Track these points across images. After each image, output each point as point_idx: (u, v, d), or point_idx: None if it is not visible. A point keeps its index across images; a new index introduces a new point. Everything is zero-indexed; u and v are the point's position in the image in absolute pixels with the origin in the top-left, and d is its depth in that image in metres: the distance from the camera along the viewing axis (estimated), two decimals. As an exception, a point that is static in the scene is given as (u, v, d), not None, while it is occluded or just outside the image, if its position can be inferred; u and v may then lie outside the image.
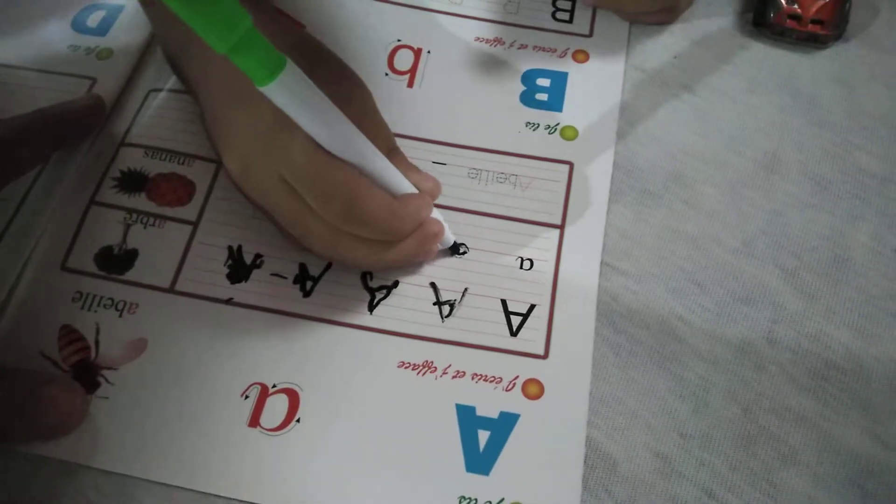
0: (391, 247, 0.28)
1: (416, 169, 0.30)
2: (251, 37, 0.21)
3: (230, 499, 0.25)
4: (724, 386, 0.28)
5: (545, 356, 0.29)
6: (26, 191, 0.30)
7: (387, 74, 0.35)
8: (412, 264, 0.30)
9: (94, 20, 0.35)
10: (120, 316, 0.28)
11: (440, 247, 0.30)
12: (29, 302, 0.28)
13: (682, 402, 0.28)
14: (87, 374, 0.27)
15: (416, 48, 0.36)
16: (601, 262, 0.31)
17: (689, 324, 0.29)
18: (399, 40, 0.36)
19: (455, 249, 0.31)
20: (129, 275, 0.29)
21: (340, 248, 0.28)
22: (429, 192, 0.30)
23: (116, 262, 0.29)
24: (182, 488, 0.25)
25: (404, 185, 0.28)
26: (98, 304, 0.28)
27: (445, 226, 0.30)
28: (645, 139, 0.34)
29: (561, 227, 0.32)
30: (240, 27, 0.20)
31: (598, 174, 0.33)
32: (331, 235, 0.27)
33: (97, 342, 0.27)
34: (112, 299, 0.28)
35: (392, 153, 0.30)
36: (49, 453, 0.26)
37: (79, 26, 0.35)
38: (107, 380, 0.27)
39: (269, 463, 0.26)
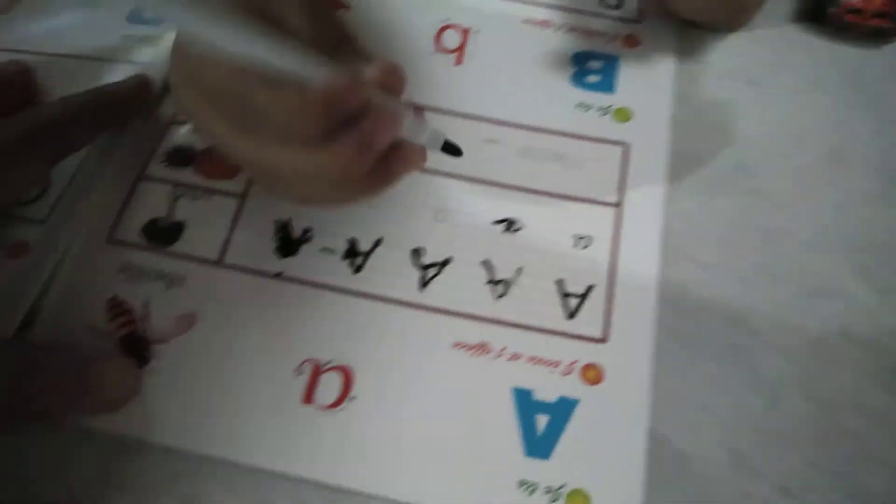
0: (318, 143, 0.22)
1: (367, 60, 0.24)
2: None
3: (286, 474, 0.24)
4: (800, 381, 0.27)
5: (604, 340, 0.27)
6: (76, 167, 0.30)
7: (433, 53, 0.34)
8: (383, 183, 0.25)
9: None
10: (168, 289, 0.27)
11: (429, 148, 0.25)
12: (76, 275, 0.27)
13: (756, 396, 0.27)
14: (137, 348, 0.26)
15: (463, 27, 0.35)
16: (664, 247, 0.29)
17: (762, 315, 0.28)
18: (446, 20, 0.35)
19: (450, 150, 0.26)
20: (177, 247, 0.28)
21: (253, 149, 0.22)
22: (374, 79, 0.23)
23: (163, 233, 0.28)
24: (236, 463, 0.25)
25: (311, 71, 0.21)
26: (146, 278, 0.27)
27: (422, 122, 0.24)
28: (704, 128, 0.33)
29: (618, 207, 0.30)
30: None
31: (654, 157, 0.32)
32: (240, 134, 0.22)
33: (146, 315, 0.27)
34: (161, 271, 0.28)
35: (341, 45, 0.25)
36: (101, 426, 0.25)
37: (134, 19, 0.35)
38: (157, 354, 0.26)
39: (326, 439, 0.25)
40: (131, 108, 0.31)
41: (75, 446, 0.25)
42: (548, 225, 0.30)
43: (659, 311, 0.28)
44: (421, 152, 0.25)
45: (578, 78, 0.34)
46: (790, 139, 0.33)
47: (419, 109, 0.27)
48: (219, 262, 0.28)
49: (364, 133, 0.22)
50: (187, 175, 0.30)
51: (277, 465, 0.25)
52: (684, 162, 0.32)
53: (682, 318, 0.28)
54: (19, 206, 0.29)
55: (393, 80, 0.23)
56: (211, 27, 0.19)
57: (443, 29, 0.35)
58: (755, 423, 0.26)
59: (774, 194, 0.31)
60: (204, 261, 0.28)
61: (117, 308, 0.27)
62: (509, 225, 0.30)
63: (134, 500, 0.24)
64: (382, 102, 0.23)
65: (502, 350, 0.27)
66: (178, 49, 0.23)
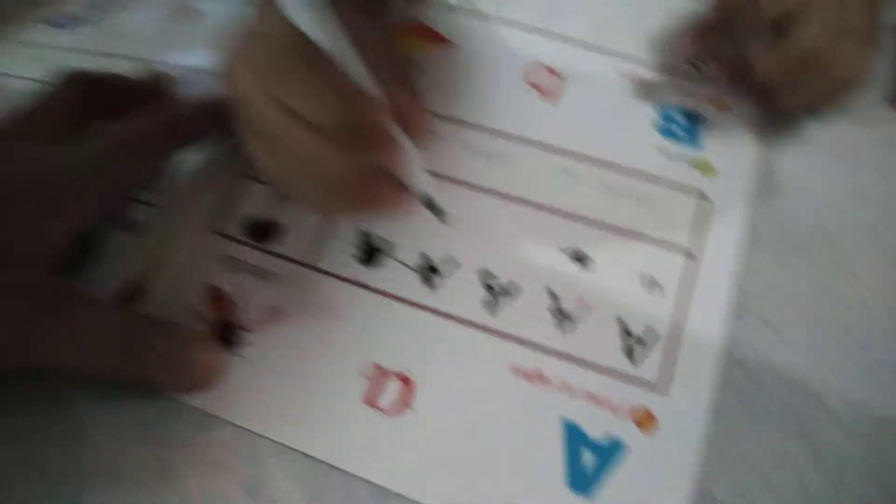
0: (324, 136, 0.25)
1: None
2: None
3: (342, 470, 0.27)
4: (867, 462, 0.26)
5: (661, 388, 0.28)
6: (193, 160, 0.33)
7: (527, 90, 0.35)
8: (372, 200, 0.28)
9: None
10: (262, 282, 0.30)
11: (421, 223, 0.29)
12: (182, 260, 0.31)
13: (817, 472, 0.26)
14: (228, 334, 0.29)
15: (555, 69, 0.36)
16: (737, 304, 0.29)
17: (832, 388, 0.28)
18: (541, 62, 0.36)
19: (433, 208, 0.29)
20: (274, 246, 0.31)
21: (269, 115, 0.25)
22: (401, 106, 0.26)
23: (262, 232, 0.31)
24: (298, 451, 0.27)
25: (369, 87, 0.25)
26: (243, 270, 0.30)
27: (425, 176, 0.27)
28: (791, 193, 0.32)
29: (692, 256, 0.30)
30: None
31: (734, 212, 0.32)
32: (262, 96, 0.25)
33: (240, 304, 0.30)
34: (256, 266, 0.30)
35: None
36: (193, 403, 0.28)
37: None
38: (243, 341, 0.29)
39: (382, 442, 0.27)
40: None
41: (160, 414, 0.28)
42: (619, 262, 0.30)
43: (724, 369, 0.28)
44: (410, 198, 0.28)
45: (664, 127, 0.34)
46: (881, 219, 0.32)
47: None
48: (309, 265, 0.31)
49: (379, 143, 0.25)
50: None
51: (332, 458, 0.27)
52: (766, 222, 0.31)
53: (747, 379, 0.28)
54: (137, 190, 0.33)
55: (413, 119, 0.27)
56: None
57: (536, 67, 0.36)
58: (812, 500, 0.26)
59: (857, 267, 0.30)
60: (296, 262, 0.31)
61: (215, 294, 0.30)
62: (580, 258, 0.30)
63: (202, 472, 0.26)
64: (396, 132, 0.26)
65: (557, 380, 0.28)
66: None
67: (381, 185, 0.27)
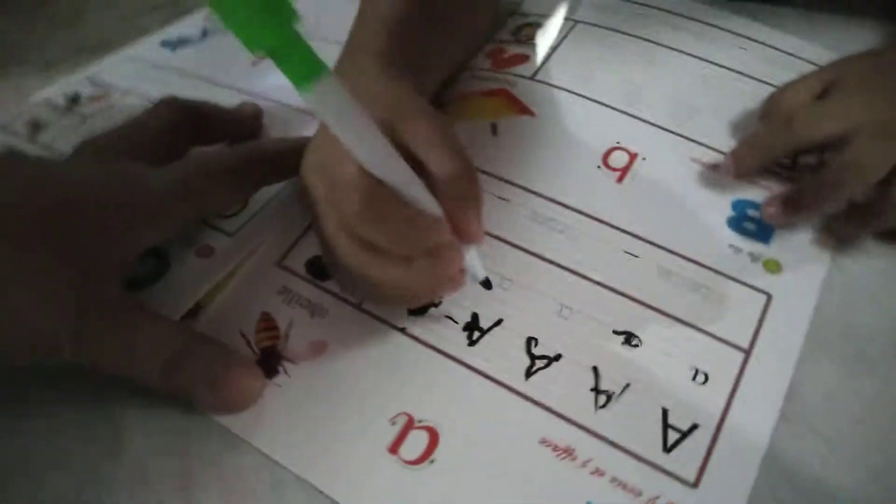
0: (402, 262, 0.27)
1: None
2: (292, 41, 0.20)
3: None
4: None
5: (695, 485, 0.26)
6: (273, 196, 0.36)
7: (599, 167, 0.36)
8: (434, 294, 0.29)
9: None
10: (311, 317, 0.31)
11: (471, 281, 0.29)
12: (243, 286, 0.32)
13: None
14: (271, 361, 0.30)
15: (632, 152, 0.37)
16: (788, 411, 0.28)
17: (880, 510, 0.25)
18: (618, 143, 0.37)
19: (486, 284, 0.30)
20: (329, 284, 0.32)
21: (353, 254, 0.27)
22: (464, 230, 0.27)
23: (322, 270, 0.33)
24: (322, 492, 0.27)
25: (430, 206, 0.26)
26: (296, 303, 0.32)
27: (476, 259, 0.29)
28: (863, 299, 0.31)
29: (747, 353, 0.29)
30: (281, 31, 0.19)
31: (797, 315, 0.30)
32: (346, 237, 0.27)
33: (287, 335, 0.31)
34: (309, 301, 0.32)
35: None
36: (226, 424, 0.29)
37: None
38: (285, 371, 0.30)
39: (399, 493, 0.27)
40: None
41: (193, 428, 0.28)
42: (668, 349, 0.29)
43: (767, 477, 0.26)
44: (464, 277, 0.29)
45: (735, 222, 0.34)
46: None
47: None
48: (357, 306, 0.32)
49: (442, 262, 0.27)
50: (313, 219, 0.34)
51: (346, 499, 0.27)
52: (832, 329, 0.30)
53: (792, 492, 0.26)
54: (217, 218, 0.35)
55: (478, 236, 0.27)
56: (370, 150, 0.24)
57: (612, 149, 0.37)
58: None
59: None
60: (346, 301, 0.32)
61: (267, 322, 0.31)
62: (629, 338, 0.30)
63: (223, 493, 0.27)
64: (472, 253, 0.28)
65: (587, 461, 0.27)
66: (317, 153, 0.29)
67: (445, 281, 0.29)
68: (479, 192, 0.27)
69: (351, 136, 0.24)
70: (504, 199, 0.35)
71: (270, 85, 0.43)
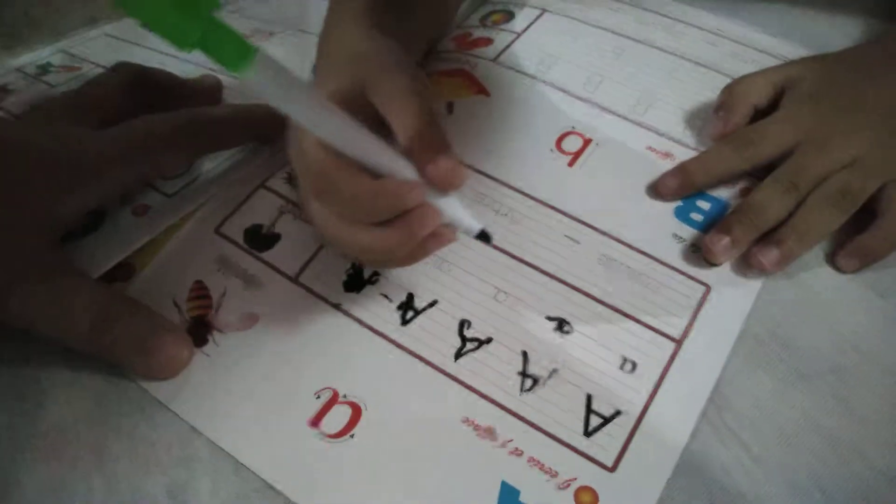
0: (374, 228, 0.26)
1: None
2: (217, 29, 0.20)
3: (269, 484, 0.26)
4: None
5: (612, 469, 0.26)
6: (216, 163, 0.36)
7: (551, 150, 0.36)
8: (419, 254, 0.27)
9: None
10: (245, 288, 0.31)
11: (464, 233, 0.27)
12: (180, 250, 0.32)
13: None
14: (200, 330, 0.30)
15: (586, 137, 0.37)
16: (714, 412, 0.28)
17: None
18: (573, 128, 0.37)
19: (483, 237, 0.27)
20: (266, 255, 0.32)
21: (324, 224, 0.27)
22: (435, 178, 0.25)
23: (261, 240, 0.33)
24: (235, 459, 0.27)
25: (397, 170, 0.25)
26: (231, 273, 0.32)
27: (462, 211, 0.27)
28: (811, 319, 0.31)
29: (678, 343, 0.29)
30: (205, 23, 0.20)
31: (734, 310, 0.30)
32: (317, 207, 0.27)
33: (219, 304, 0.31)
34: (245, 271, 0.32)
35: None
36: (152, 391, 0.29)
37: None
38: (214, 340, 0.30)
39: (316, 465, 0.27)
40: (279, 128, 0.36)
41: (114, 395, 0.29)
42: (599, 336, 0.29)
43: (685, 475, 0.26)
44: (452, 232, 0.27)
45: (682, 211, 0.34)
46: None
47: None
48: (294, 279, 0.32)
49: (411, 225, 0.25)
50: (297, 195, 0.34)
51: (262, 470, 0.27)
52: (771, 339, 0.30)
53: (708, 495, 0.26)
54: (158, 179, 0.35)
55: (451, 180, 0.26)
56: (319, 122, 0.24)
57: (567, 134, 0.37)
58: None
59: (861, 409, 0.28)
60: (283, 274, 0.32)
61: (200, 291, 0.31)
62: (561, 325, 0.30)
63: (134, 465, 0.27)
64: (433, 202, 0.26)
65: (507, 442, 0.27)
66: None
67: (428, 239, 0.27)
68: (443, 139, 0.26)
69: (296, 111, 0.24)
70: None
71: None
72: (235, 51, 0.21)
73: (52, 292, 0.27)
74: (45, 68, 0.45)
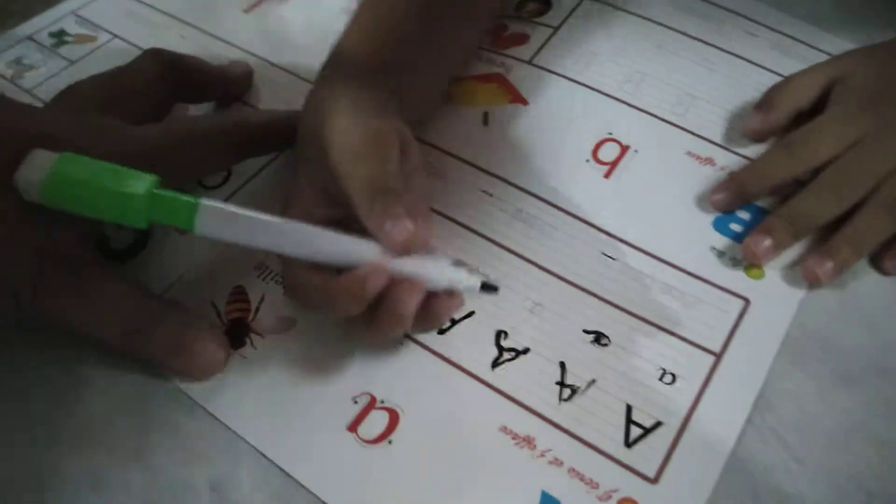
0: (359, 322, 0.27)
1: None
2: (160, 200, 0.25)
3: (307, 486, 0.26)
4: None
5: (654, 481, 0.26)
6: (258, 170, 0.37)
7: (587, 161, 0.37)
8: (431, 326, 0.29)
9: None
10: (283, 294, 0.32)
11: (470, 293, 0.27)
12: (220, 257, 0.33)
13: None
14: (238, 332, 0.30)
15: (624, 144, 0.37)
16: (758, 419, 0.28)
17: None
18: (610, 133, 0.38)
19: (488, 289, 0.27)
20: (304, 263, 0.33)
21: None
22: (399, 246, 0.25)
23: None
24: (275, 464, 0.27)
25: (355, 257, 0.26)
26: (271, 278, 0.32)
27: (455, 272, 0.26)
28: (855, 321, 0.31)
29: (717, 357, 0.29)
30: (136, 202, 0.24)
31: (776, 323, 0.30)
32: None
33: (257, 308, 0.31)
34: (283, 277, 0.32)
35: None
36: (188, 391, 0.29)
37: None
38: (252, 343, 0.30)
39: (353, 470, 0.27)
40: None
41: (151, 390, 0.29)
42: (637, 350, 0.30)
43: (730, 481, 0.26)
44: (459, 300, 0.28)
45: (722, 223, 0.34)
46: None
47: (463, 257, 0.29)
48: (332, 287, 0.32)
49: (391, 308, 0.26)
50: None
51: (297, 472, 0.27)
52: (813, 344, 0.30)
53: (752, 499, 0.26)
54: (198, 190, 0.35)
55: (408, 246, 0.25)
56: (278, 244, 0.27)
57: (604, 141, 0.37)
58: None
59: None
60: (321, 281, 0.32)
61: (239, 296, 0.32)
62: (598, 338, 0.30)
63: (173, 457, 0.27)
64: (407, 273, 0.26)
65: (546, 451, 0.27)
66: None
67: (432, 305, 0.28)
68: (391, 203, 0.26)
69: (254, 241, 0.26)
70: (488, 193, 0.35)
71: (260, 38, 0.43)
72: (185, 210, 0.25)
73: (85, 292, 0.27)
74: (59, 37, 0.44)
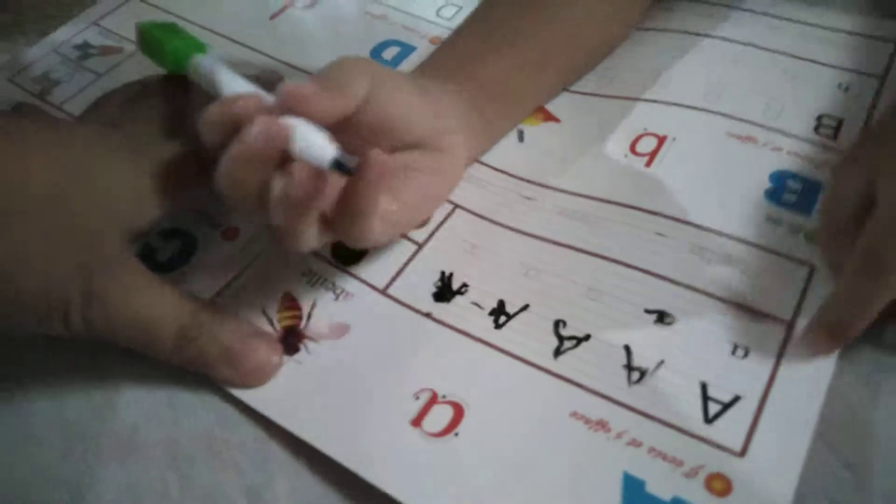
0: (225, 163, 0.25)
1: None
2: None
3: (376, 485, 0.26)
4: None
5: (741, 454, 0.25)
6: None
7: (626, 156, 0.37)
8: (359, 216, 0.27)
9: (389, 53, 0.42)
10: (335, 300, 0.32)
11: (314, 162, 0.24)
12: (266, 267, 0.33)
13: None
14: (292, 339, 0.30)
15: (660, 135, 0.37)
16: (837, 376, 0.27)
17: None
18: (645, 129, 0.38)
19: (339, 167, 0.24)
20: (354, 268, 0.33)
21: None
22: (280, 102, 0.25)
23: (348, 254, 0.33)
24: (311, 472, 0.27)
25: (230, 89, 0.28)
26: (320, 283, 0.33)
27: (310, 128, 0.24)
28: None
29: (789, 325, 0.29)
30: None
31: None
32: None
33: (309, 315, 0.31)
34: (333, 283, 0.32)
35: None
36: (242, 397, 0.29)
37: (375, 55, 0.44)
38: (306, 349, 0.30)
39: (421, 464, 0.26)
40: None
41: (187, 395, 0.29)
42: (704, 325, 0.29)
43: (819, 449, 0.25)
44: (321, 176, 0.25)
45: (774, 194, 0.34)
46: None
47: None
48: (383, 291, 0.32)
49: (242, 140, 0.24)
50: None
51: (371, 474, 0.26)
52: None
53: (849, 468, 0.25)
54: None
55: (295, 101, 0.25)
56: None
57: (640, 136, 0.38)
58: None
59: None
60: (371, 286, 0.32)
61: (289, 303, 0.32)
62: (661, 316, 0.30)
63: (209, 465, 0.27)
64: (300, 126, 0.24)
65: (622, 432, 0.26)
66: None
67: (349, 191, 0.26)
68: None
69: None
70: (529, 198, 0.36)
71: (286, 44, 0.44)
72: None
73: (136, 304, 0.27)
74: (83, 50, 0.45)
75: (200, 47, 0.31)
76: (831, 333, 0.27)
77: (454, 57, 0.37)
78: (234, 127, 0.25)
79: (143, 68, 0.33)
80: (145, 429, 0.28)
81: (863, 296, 0.27)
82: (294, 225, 0.26)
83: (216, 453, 0.28)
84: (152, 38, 0.32)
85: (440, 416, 0.27)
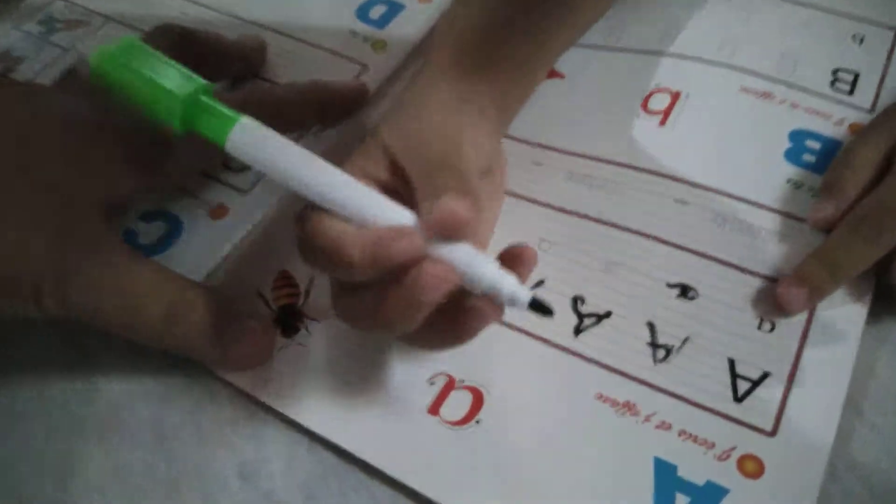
0: (371, 293, 0.23)
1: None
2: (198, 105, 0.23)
3: (390, 474, 0.25)
4: None
5: (772, 433, 0.25)
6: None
7: (638, 116, 0.35)
8: (457, 337, 0.24)
9: (376, 13, 0.41)
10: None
11: (510, 306, 0.22)
12: (259, 243, 0.32)
13: None
14: (290, 319, 0.29)
15: (674, 91, 0.36)
16: (868, 348, 0.27)
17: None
18: (657, 85, 0.37)
19: (539, 309, 0.23)
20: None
21: (341, 306, 0.25)
22: (433, 224, 0.22)
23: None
24: (310, 440, 0.26)
25: (385, 217, 0.23)
26: (318, 259, 0.31)
27: (512, 279, 0.22)
28: None
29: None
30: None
31: None
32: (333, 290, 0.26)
33: (307, 291, 0.30)
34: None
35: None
36: (235, 381, 0.28)
37: (362, 15, 0.41)
38: (307, 329, 0.29)
39: (442, 454, 0.25)
40: (345, 108, 0.35)
41: (168, 376, 0.28)
42: (728, 299, 0.29)
43: (850, 423, 0.25)
44: (497, 310, 0.23)
45: (794, 154, 0.33)
46: None
47: (518, 257, 0.24)
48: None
49: (407, 288, 0.21)
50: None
51: (387, 467, 0.25)
52: None
53: (879, 440, 0.25)
54: (226, 174, 0.34)
55: (453, 226, 0.22)
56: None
57: (652, 93, 0.36)
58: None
59: None
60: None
61: (285, 280, 0.30)
62: (684, 290, 0.29)
63: (199, 443, 0.27)
64: (435, 255, 0.22)
65: (651, 415, 0.26)
66: None
67: (461, 312, 0.23)
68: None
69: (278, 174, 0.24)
70: (538, 163, 0.34)
71: (265, 8, 0.41)
72: (222, 121, 0.24)
73: (118, 282, 0.26)
74: (48, 25, 0.43)
75: (231, 118, 0.24)
76: (811, 289, 0.28)
77: (473, 42, 0.31)
78: (384, 263, 0.22)
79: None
80: (129, 406, 0.28)
81: (856, 253, 0.28)
82: (403, 321, 0.23)
83: (206, 431, 0.27)
84: (139, 88, 0.25)
85: (459, 402, 0.27)
